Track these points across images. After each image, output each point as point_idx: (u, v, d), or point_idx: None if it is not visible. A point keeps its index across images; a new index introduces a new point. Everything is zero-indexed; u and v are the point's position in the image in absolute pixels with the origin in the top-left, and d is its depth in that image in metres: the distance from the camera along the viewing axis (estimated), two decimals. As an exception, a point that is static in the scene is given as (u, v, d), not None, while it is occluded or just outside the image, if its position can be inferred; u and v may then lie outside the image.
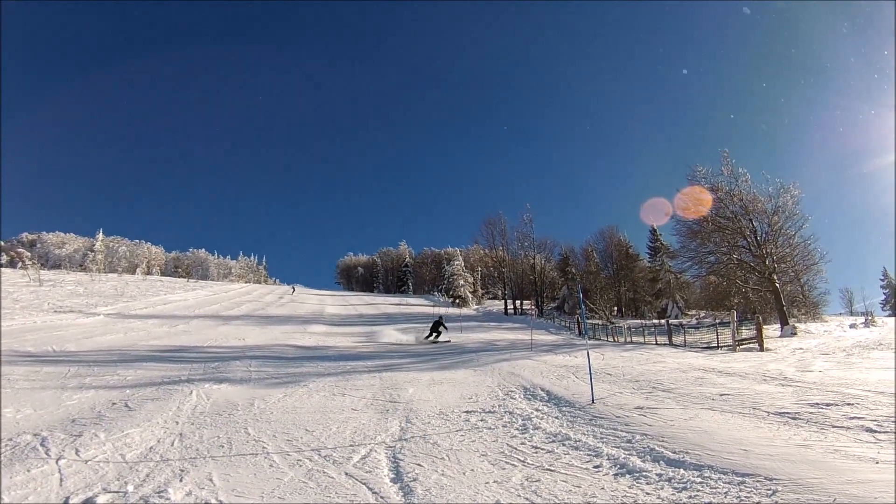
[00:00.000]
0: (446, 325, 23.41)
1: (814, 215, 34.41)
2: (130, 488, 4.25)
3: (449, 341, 21.64)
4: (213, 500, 4.08)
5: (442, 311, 36.32)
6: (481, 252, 63.85)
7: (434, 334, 22.15)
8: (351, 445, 5.81)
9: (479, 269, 64.77)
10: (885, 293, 53.31)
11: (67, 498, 4.01)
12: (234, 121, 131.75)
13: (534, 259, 51.42)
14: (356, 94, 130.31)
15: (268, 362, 13.26)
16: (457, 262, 60.77)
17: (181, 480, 4.49)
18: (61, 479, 4.43)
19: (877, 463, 4.53)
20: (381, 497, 4.22)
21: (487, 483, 4.55)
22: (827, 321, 30.89)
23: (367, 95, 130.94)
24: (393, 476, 4.76)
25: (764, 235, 28.24)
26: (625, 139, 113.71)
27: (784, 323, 25.38)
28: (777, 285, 26.89)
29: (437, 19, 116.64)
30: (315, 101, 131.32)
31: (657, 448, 5.25)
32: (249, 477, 4.67)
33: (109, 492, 4.17)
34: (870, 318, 28.94)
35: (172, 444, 5.67)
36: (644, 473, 4.60)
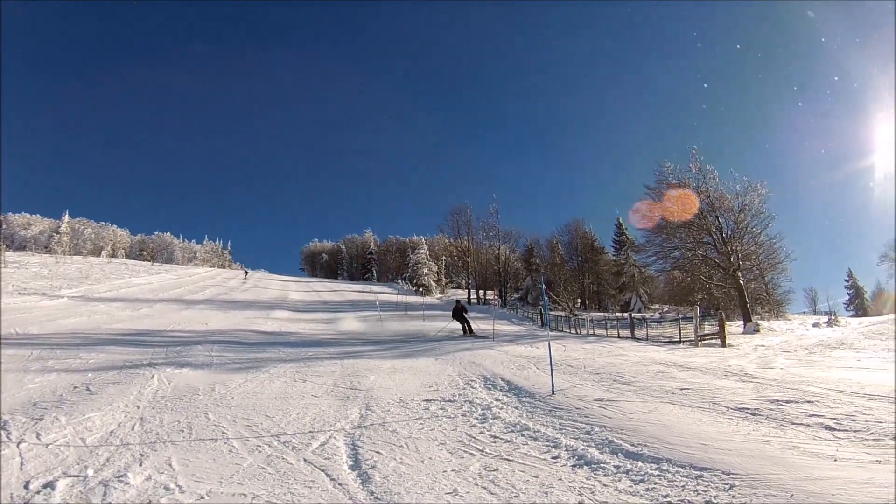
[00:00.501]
0: (466, 311, 20.48)
1: (783, 215, 35.01)
2: (90, 472, 4.24)
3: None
4: (171, 485, 4.07)
5: (409, 298, 36.84)
6: (446, 241, 63.83)
7: (465, 324, 19.51)
8: (310, 432, 5.85)
9: (444, 258, 64.80)
10: (849, 294, 54.90)
11: (28, 482, 4.00)
12: (201, 104, 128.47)
13: (498, 249, 52.07)
14: (324, 81, 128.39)
15: (230, 347, 13.27)
16: (421, 251, 61.31)
17: (141, 465, 4.49)
18: (22, 463, 4.41)
19: (835, 461, 4.59)
20: (340, 484, 4.26)
21: (445, 471, 4.59)
22: (790, 319, 31.31)
23: (334, 82, 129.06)
24: (351, 463, 4.79)
25: (729, 233, 28.93)
26: (594, 132, 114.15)
27: (747, 320, 25.98)
28: (741, 282, 27.51)
29: (403, 10, 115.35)
30: (282, 88, 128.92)
31: (616, 440, 5.32)
32: (209, 462, 4.69)
33: (69, 476, 4.15)
34: (833, 317, 29.37)
35: (133, 429, 5.67)
36: (602, 465, 4.65)
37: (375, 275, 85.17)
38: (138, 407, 6.68)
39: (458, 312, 19.85)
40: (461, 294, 54.91)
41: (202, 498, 3.92)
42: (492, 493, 4.09)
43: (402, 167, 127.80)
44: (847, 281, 54.95)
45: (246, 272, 63.62)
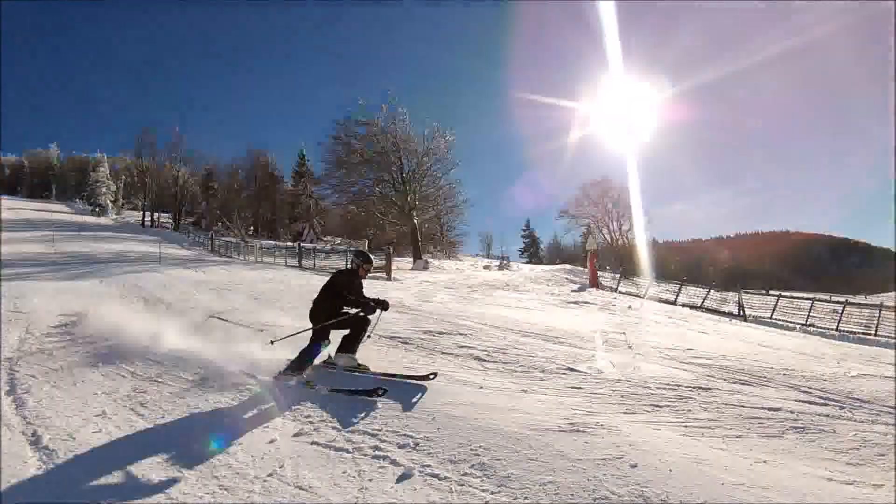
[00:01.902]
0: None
1: (472, 165, 37.86)
2: None
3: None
4: None
5: (85, 218, 37.88)
6: (128, 160, 57.64)
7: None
8: None
9: (124, 177, 58.57)
10: (525, 242, 63.02)
11: None
12: None
13: (178, 172, 48.93)
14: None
15: None
16: (102, 169, 56.32)
17: None
18: None
19: (481, 388, 5.06)
20: (-6, 409, 4.40)
21: (96, 394, 4.82)
22: (461, 260, 33.68)
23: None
24: (7, 389, 4.86)
25: (410, 173, 30.08)
26: (289, 63, 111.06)
27: (417, 257, 27.58)
28: (415, 221, 29.16)
29: None
30: None
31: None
32: None
33: None
34: (505, 262, 31.60)
35: None
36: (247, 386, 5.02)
37: (55, 192, 75.22)
38: None
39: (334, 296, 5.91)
40: (137, 216, 50.91)
41: None
42: (139, 415, 4.38)
43: (88, 78, 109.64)
44: (524, 231, 63.35)
45: None
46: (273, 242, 36.21)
